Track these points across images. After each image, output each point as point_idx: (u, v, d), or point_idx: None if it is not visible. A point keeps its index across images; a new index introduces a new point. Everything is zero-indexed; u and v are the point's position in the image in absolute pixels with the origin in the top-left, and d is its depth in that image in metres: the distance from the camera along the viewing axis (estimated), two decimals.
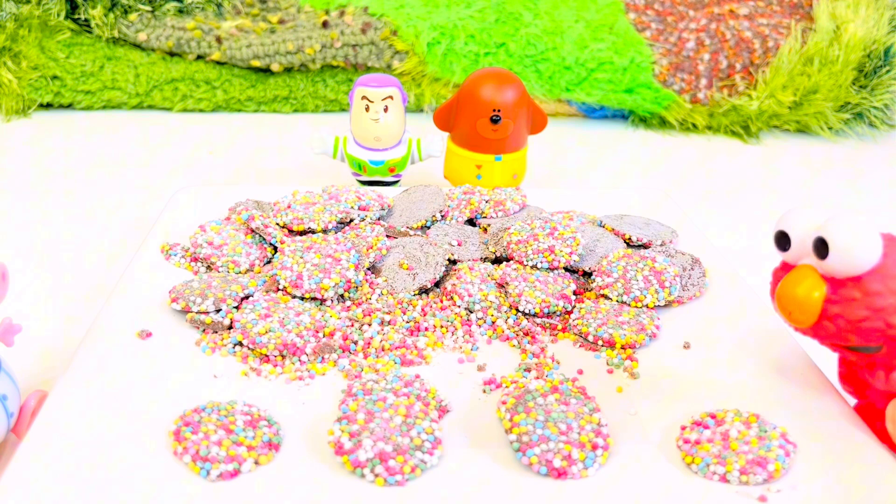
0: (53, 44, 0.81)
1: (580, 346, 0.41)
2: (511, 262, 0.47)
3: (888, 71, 0.82)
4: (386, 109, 0.56)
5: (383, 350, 0.40)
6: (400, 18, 0.83)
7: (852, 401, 0.36)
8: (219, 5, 0.87)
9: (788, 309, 0.32)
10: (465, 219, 0.53)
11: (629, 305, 0.44)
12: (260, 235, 0.48)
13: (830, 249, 0.30)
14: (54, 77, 0.81)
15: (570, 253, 0.46)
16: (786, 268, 0.34)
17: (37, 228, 0.57)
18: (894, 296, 0.29)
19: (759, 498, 0.30)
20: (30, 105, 0.81)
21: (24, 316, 0.38)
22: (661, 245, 0.49)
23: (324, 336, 0.40)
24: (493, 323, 0.43)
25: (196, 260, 0.47)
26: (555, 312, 0.43)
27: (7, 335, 0.35)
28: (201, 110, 0.85)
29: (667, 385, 0.38)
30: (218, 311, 0.41)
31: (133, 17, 0.83)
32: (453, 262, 0.48)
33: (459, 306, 0.44)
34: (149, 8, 0.83)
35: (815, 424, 0.34)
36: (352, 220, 0.50)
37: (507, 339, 0.42)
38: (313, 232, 0.48)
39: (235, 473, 0.31)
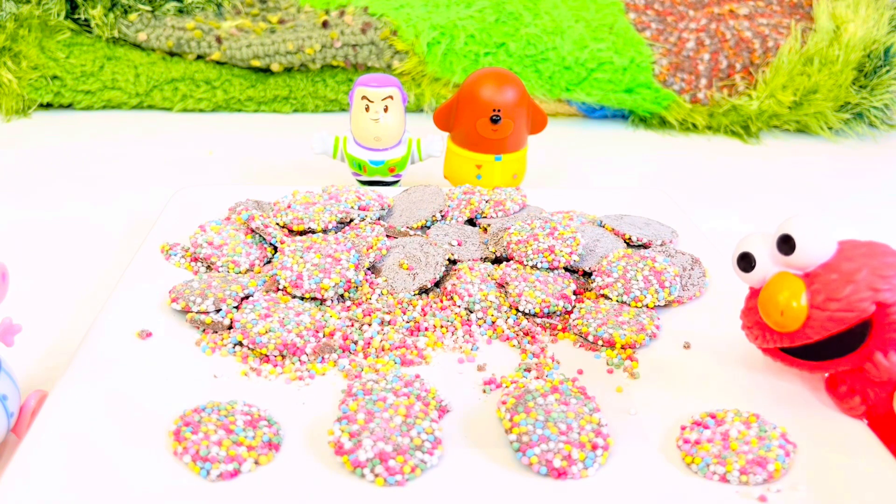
0: (53, 44, 0.81)
1: (580, 346, 0.41)
2: (511, 262, 0.47)
3: (888, 71, 0.82)
4: (386, 109, 0.56)
5: (383, 350, 0.40)
6: (400, 18, 0.83)
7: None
8: (219, 5, 0.87)
9: (777, 315, 0.33)
10: (465, 219, 0.53)
11: (629, 305, 0.44)
12: (260, 235, 0.48)
13: (796, 241, 0.33)
14: (54, 77, 0.81)
15: (570, 253, 0.46)
16: (755, 292, 0.35)
17: (37, 228, 0.57)
18: (866, 266, 0.32)
19: (759, 498, 0.30)
20: (30, 105, 0.81)
21: (24, 316, 0.38)
22: (661, 245, 0.49)
23: (324, 336, 0.40)
24: (493, 323, 0.43)
25: (196, 260, 0.47)
26: (555, 312, 0.43)
27: (7, 335, 0.35)
28: (201, 110, 0.85)
29: (667, 385, 0.38)
30: (218, 311, 0.41)
31: (133, 17, 0.83)
32: (453, 262, 0.48)
33: (459, 306, 0.44)
34: (149, 8, 0.83)
35: (815, 424, 0.34)
36: (352, 220, 0.50)
37: (507, 339, 0.42)
38: (313, 232, 0.48)
39: (235, 473, 0.31)
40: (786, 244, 0.33)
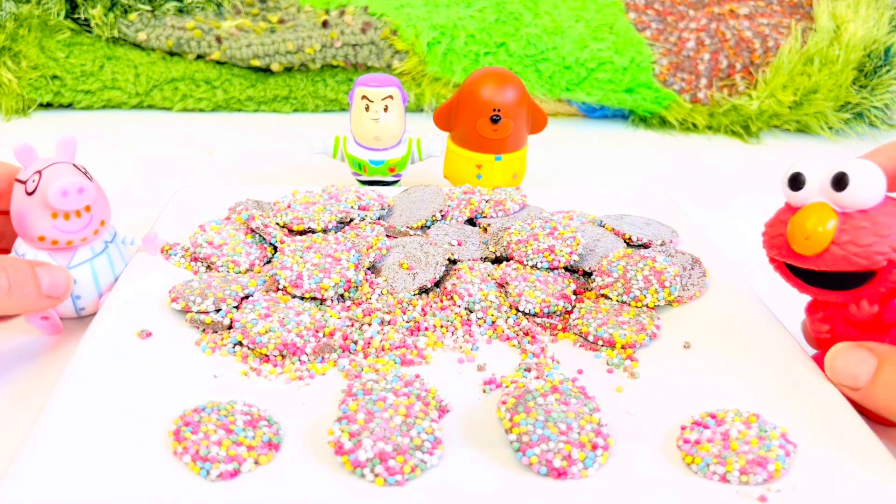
0: (53, 43, 0.81)
1: (580, 346, 0.41)
2: (511, 261, 0.47)
3: (888, 71, 0.82)
4: (386, 109, 0.56)
5: (383, 350, 0.40)
6: (400, 18, 0.83)
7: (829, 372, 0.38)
8: (219, 5, 0.87)
9: (802, 237, 0.36)
10: (465, 219, 0.53)
11: (629, 305, 0.44)
12: (260, 235, 0.48)
13: (850, 182, 0.35)
14: (54, 77, 0.81)
15: (570, 253, 0.46)
16: (790, 209, 0.38)
17: None
18: None
19: (759, 498, 0.30)
20: (30, 105, 0.81)
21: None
22: (661, 245, 0.49)
23: (324, 336, 0.40)
24: (493, 323, 0.43)
25: (196, 260, 0.47)
26: (555, 312, 0.43)
27: (151, 245, 0.46)
28: (201, 110, 0.85)
29: (667, 385, 0.38)
30: (218, 310, 0.41)
31: (133, 16, 0.83)
32: (453, 262, 0.48)
33: (459, 306, 0.44)
34: (149, 7, 0.83)
35: (815, 424, 0.34)
36: (352, 220, 0.50)
37: (507, 339, 0.42)
38: (313, 232, 0.48)
39: (235, 473, 0.31)
40: (839, 182, 0.35)
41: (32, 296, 0.38)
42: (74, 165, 0.40)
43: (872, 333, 0.37)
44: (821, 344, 0.39)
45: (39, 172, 0.39)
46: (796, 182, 0.37)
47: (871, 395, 0.34)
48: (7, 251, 0.43)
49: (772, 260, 0.39)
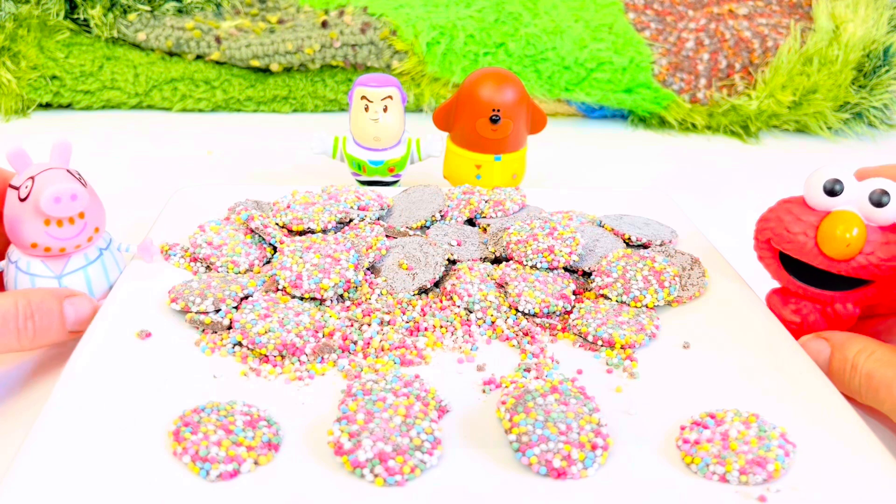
0: (52, 44, 0.81)
1: (580, 346, 0.41)
2: (511, 262, 0.47)
3: (887, 71, 0.82)
4: (385, 109, 0.56)
5: (383, 350, 0.40)
6: (399, 18, 0.83)
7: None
8: (218, 5, 0.87)
9: (841, 242, 0.37)
10: (465, 219, 0.53)
11: (629, 305, 0.44)
12: (259, 235, 0.48)
13: (890, 202, 0.37)
14: (53, 77, 0.81)
15: (570, 253, 0.46)
16: (808, 209, 0.39)
17: None
18: None
19: (759, 498, 0.30)
20: (29, 105, 0.81)
21: None
22: (661, 245, 0.49)
23: (323, 336, 0.40)
24: (493, 323, 0.43)
25: (195, 260, 0.47)
26: (554, 312, 0.43)
27: (146, 252, 0.44)
28: (201, 110, 0.85)
29: (667, 385, 0.38)
30: (217, 311, 0.41)
31: (132, 16, 0.83)
32: (453, 262, 0.48)
33: (459, 306, 0.44)
34: (148, 8, 0.83)
35: (815, 424, 0.34)
36: (351, 220, 0.50)
37: (507, 339, 0.42)
38: (313, 232, 0.48)
39: (235, 473, 0.31)
40: (880, 198, 0.37)
41: (55, 335, 0.38)
42: (69, 171, 0.40)
43: (837, 328, 0.40)
44: (788, 329, 0.41)
45: (32, 178, 0.38)
46: (834, 191, 0.38)
47: (833, 381, 0.37)
48: (1, 256, 0.42)
49: (765, 249, 0.40)
